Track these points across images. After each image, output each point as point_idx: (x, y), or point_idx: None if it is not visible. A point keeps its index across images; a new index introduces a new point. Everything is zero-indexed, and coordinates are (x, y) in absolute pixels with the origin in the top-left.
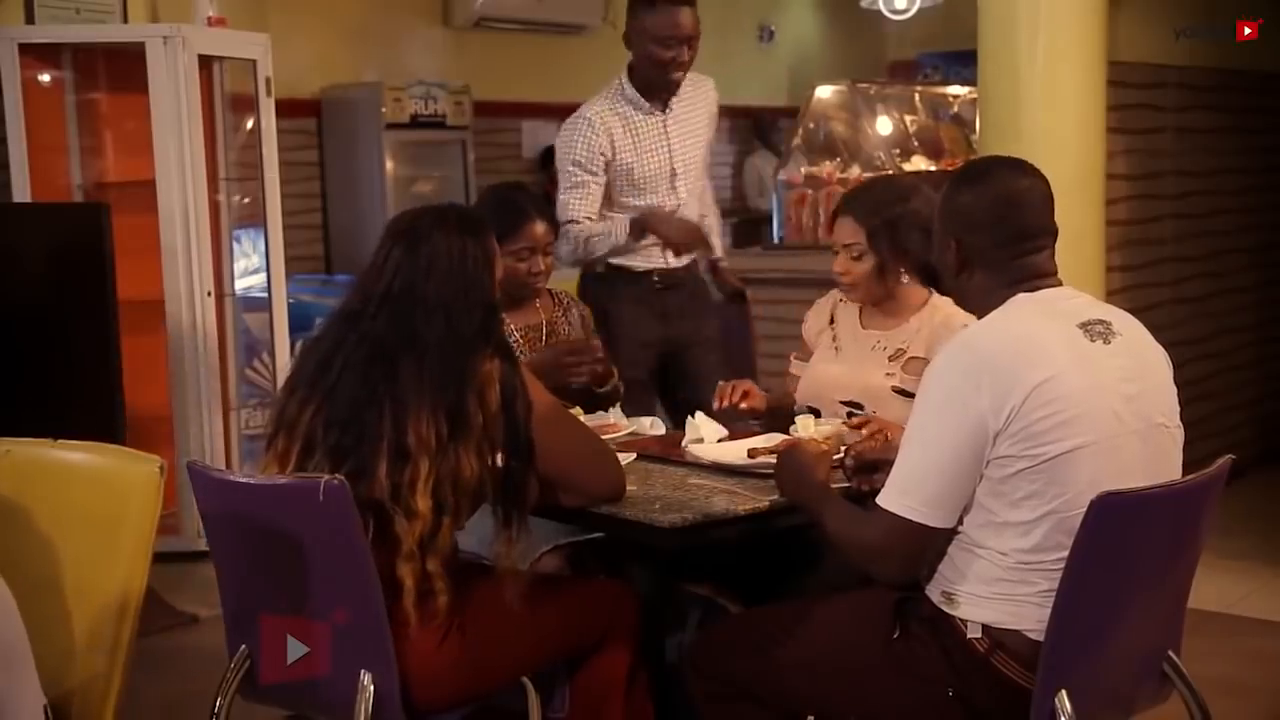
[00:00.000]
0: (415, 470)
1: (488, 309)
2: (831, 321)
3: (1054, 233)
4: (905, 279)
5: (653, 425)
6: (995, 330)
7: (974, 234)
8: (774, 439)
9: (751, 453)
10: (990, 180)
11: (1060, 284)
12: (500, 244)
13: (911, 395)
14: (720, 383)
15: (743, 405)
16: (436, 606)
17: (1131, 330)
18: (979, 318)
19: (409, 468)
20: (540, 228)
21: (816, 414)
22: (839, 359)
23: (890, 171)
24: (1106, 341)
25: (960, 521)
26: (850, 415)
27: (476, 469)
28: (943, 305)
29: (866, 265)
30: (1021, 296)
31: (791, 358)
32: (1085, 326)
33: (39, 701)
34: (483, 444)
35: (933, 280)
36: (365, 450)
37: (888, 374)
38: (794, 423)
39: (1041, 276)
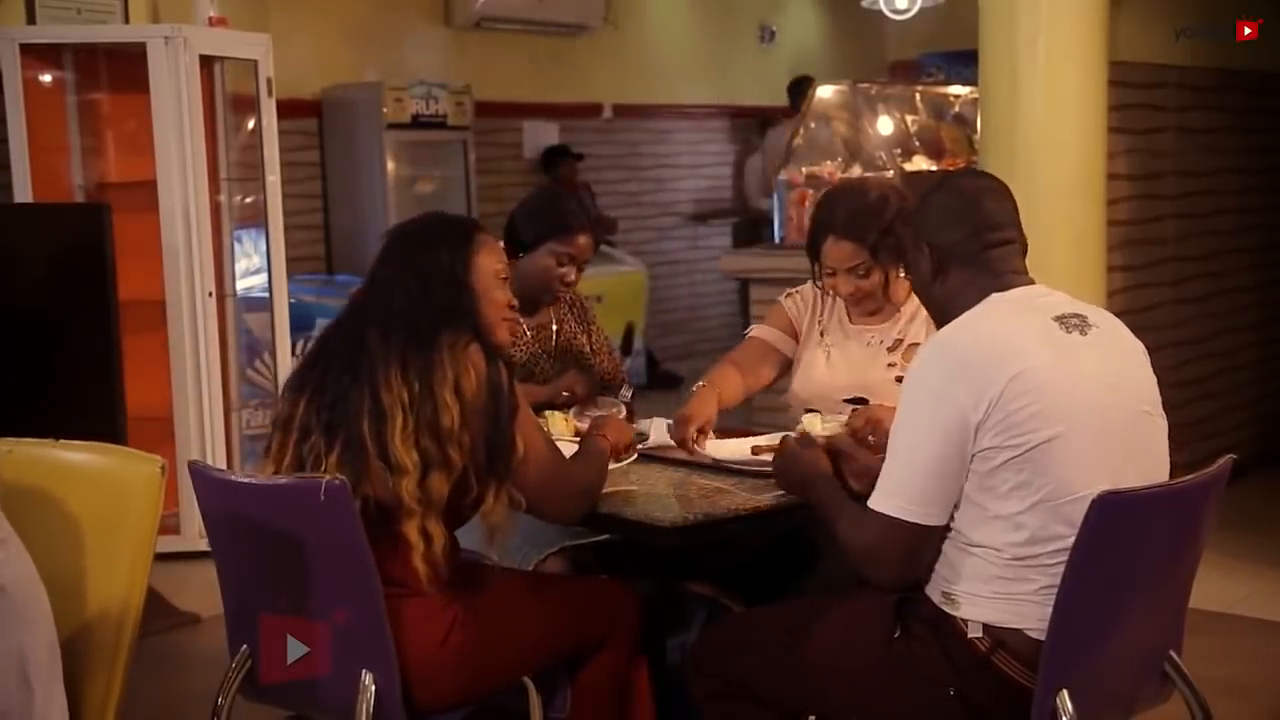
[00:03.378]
0: (392, 424)
1: (457, 286)
2: (818, 317)
3: (1021, 236)
4: (902, 276)
5: (653, 426)
6: (970, 327)
7: (942, 232)
8: (776, 438)
9: (755, 450)
10: (947, 181)
11: (1033, 282)
12: (546, 240)
13: None
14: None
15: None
16: (443, 574)
17: (1108, 324)
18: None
19: (387, 423)
20: (584, 240)
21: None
22: (834, 360)
23: (866, 175)
24: (1083, 333)
25: (953, 519)
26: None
27: (456, 416)
28: None
29: (875, 279)
30: (996, 296)
31: (756, 324)
32: (1061, 320)
33: (64, 701)
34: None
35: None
36: (352, 419)
37: (890, 364)
38: (800, 422)
39: (1014, 274)
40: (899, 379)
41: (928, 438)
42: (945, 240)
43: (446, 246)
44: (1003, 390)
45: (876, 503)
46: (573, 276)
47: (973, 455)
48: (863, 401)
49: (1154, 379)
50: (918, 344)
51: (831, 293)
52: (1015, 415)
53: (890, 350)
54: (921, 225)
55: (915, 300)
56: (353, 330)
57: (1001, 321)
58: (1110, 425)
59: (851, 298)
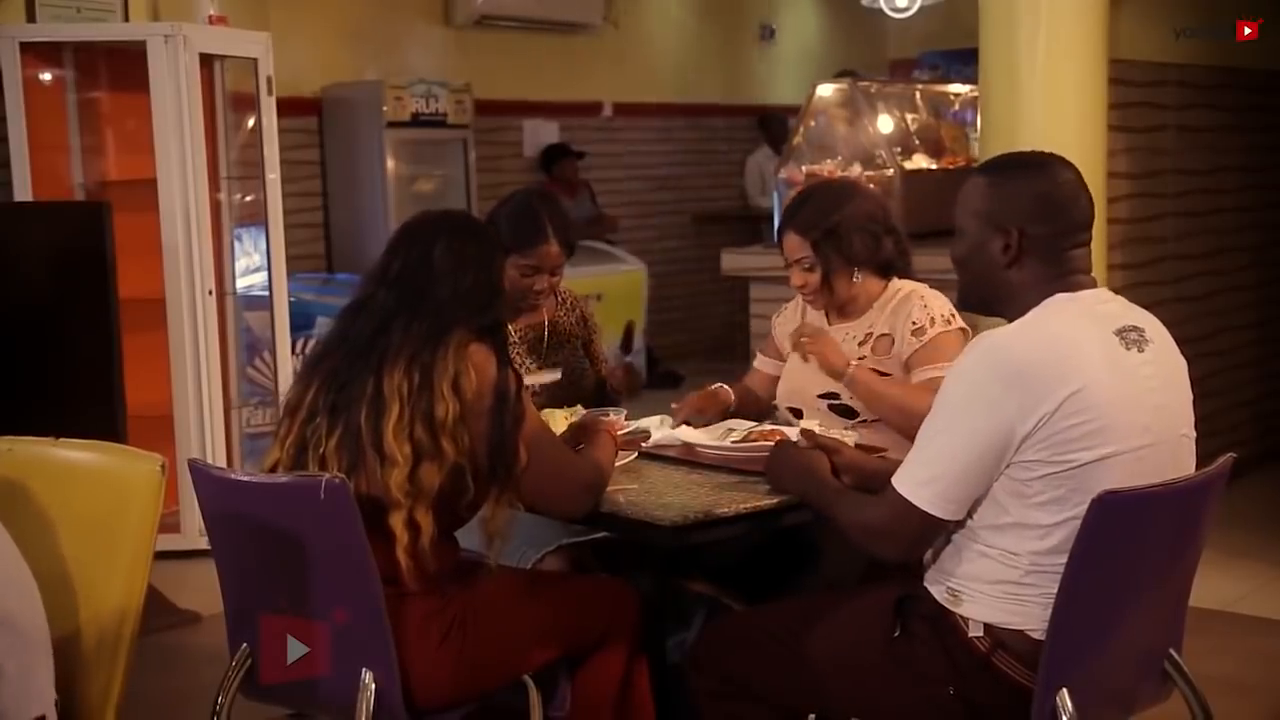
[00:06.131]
0: (388, 415)
1: (495, 291)
2: (803, 322)
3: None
4: (858, 277)
5: (661, 423)
6: (1031, 333)
7: (1035, 222)
8: (768, 427)
9: (751, 434)
10: (1048, 169)
11: (1095, 283)
12: (510, 254)
13: (885, 374)
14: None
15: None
16: (429, 569)
17: (1160, 337)
18: (1013, 313)
19: (384, 415)
20: (553, 250)
21: (799, 414)
22: (811, 358)
23: (841, 176)
24: (1140, 350)
25: (971, 515)
26: (830, 408)
27: (452, 410)
28: (904, 285)
29: (818, 274)
30: (1061, 297)
31: (758, 354)
32: (1121, 334)
33: (51, 694)
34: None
35: (888, 272)
36: (353, 405)
37: (860, 357)
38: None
39: (1082, 274)
40: (871, 370)
41: (969, 444)
42: (1036, 230)
43: (495, 250)
44: (1058, 406)
45: (903, 487)
46: (542, 285)
47: (1010, 462)
48: (834, 396)
49: (1191, 397)
50: (886, 334)
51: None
52: (1066, 433)
53: (860, 344)
54: (1009, 207)
55: (888, 294)
56: (382, 312)
57: (1062, 330)
58: (1155, 449)
59: (801, 291)
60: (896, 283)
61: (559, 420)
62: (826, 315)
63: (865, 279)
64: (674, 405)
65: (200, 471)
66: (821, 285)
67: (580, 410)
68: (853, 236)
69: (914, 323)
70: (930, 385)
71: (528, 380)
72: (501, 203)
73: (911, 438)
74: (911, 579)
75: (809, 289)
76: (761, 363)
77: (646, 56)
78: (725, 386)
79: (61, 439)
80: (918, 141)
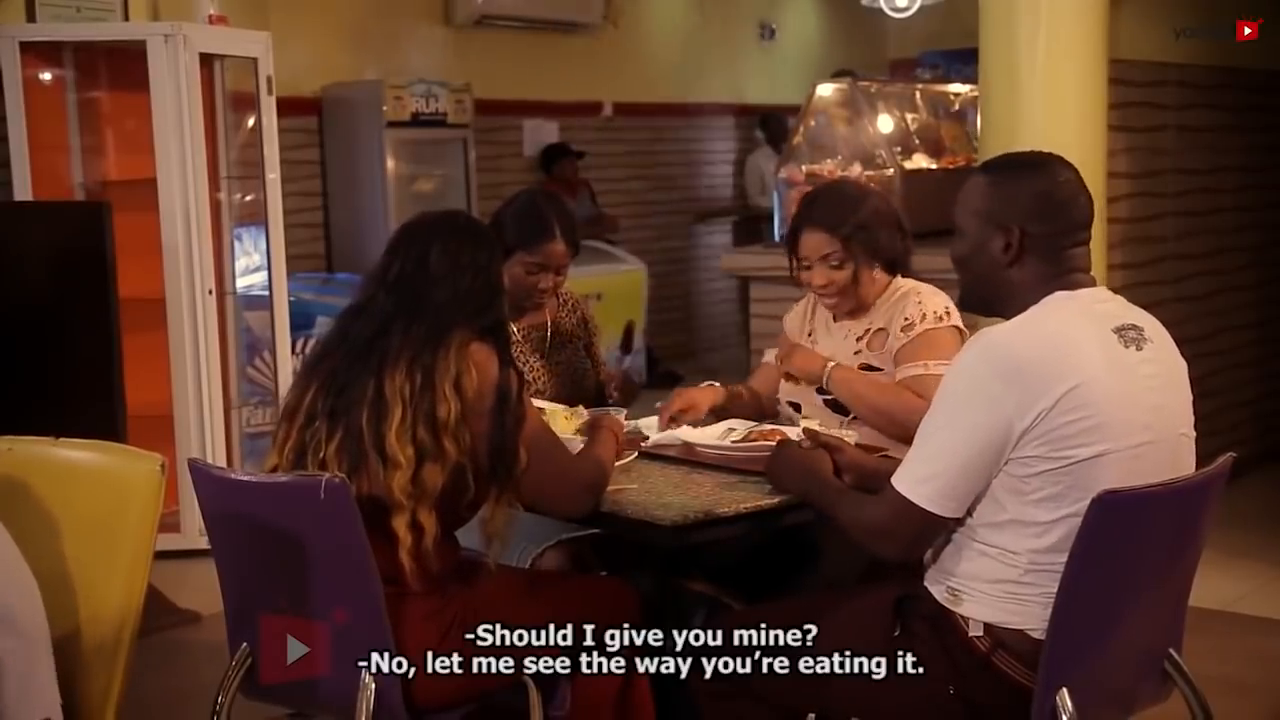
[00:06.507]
0: (390, 418)
1: (495, 292)
2: (809, 324)
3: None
4: (876, 274)
5: (653, 425)
6: (1030, 329)
7: (1036, 221)
8: (767, 428)
9: (754, 435)
10: (1048, 169)
11: (1094, 282)
12: (516, 252)
13: (878, 369)
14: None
15: (686, 416)
16: (432, 569)
17: (1160, 337)
18: (1013, 312)
19: (386, 416)
20: (560, 248)
21: (797, 408)
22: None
23: (848, 176)
24: (1139, 348)
25: (970, 513)
26: (825, 403)
27: (454, 410)
28: (905, 283)
29: (848, 271)
30: (1059, 295)
31: (766, 350)
32: (1120, 331)
33: (55, 696)
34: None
35: (894, 269)
36: (353, 408)
37: (856, 353)
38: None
39: (1081, 272)
40: (864, 366)
41: (968, 439)
42: (1037, 230)
43: (494, 251)
44: (1056, 402)
45: (902, 485)
46: (548, 283)
47: (1009, 459)
48: (826, 393)
49: (1190, 397)
50: (882, 329)
51: (807, 286)
52: (1064, 429)
53: (859, 340)
54: (1010, 206)
55: (889, 292)
56: (381, 315)
57: (1061, 327)
58: (1153, 447)
59: (824, 291)
60: (898, 280)
61: (559, 419)
62: (833, 314)
63: (879, 275)
64: (658, 405)
65: (200, 471)
66: (850, 282)
67: (581, 410)
68: (879, 232)
69: (906, 318)
70: (909, 384)
71: None
72: (507, 202)
73: (890, 437)
74: (911, 579)
75: (834, 287)
76: (770, 356)
77: (646, 56)
78: (716, 384)
79: (61, 439)
80: (918, 141)
